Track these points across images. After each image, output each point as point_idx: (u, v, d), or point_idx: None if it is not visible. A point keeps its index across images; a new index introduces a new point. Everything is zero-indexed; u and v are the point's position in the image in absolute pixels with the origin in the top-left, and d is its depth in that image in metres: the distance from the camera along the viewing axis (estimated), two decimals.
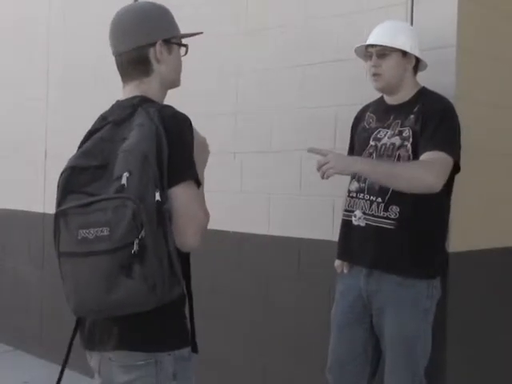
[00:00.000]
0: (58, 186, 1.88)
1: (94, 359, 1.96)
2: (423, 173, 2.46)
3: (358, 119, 2.91)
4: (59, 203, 1.87)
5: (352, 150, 2.94)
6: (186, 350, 1.93)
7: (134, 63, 1.93)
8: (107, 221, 1.71)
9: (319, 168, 2.37)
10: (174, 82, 2.01)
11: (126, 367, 1.86)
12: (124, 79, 2.00)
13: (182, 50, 1.99)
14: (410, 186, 2.48)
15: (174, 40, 1.96)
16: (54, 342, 4.89)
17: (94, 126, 1.96)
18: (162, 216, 1.74)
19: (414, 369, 2.62)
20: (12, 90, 5.53)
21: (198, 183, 1.84)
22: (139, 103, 1.89)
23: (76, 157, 1.90)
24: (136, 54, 1.92)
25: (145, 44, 1.92)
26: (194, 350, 1.98)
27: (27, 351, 5.09)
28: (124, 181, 1.72)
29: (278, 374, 3.51)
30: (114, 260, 1.70)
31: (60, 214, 1.84)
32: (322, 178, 2.39)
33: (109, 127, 1.90)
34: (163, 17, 1.97)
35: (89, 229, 1.74)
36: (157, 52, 1.92)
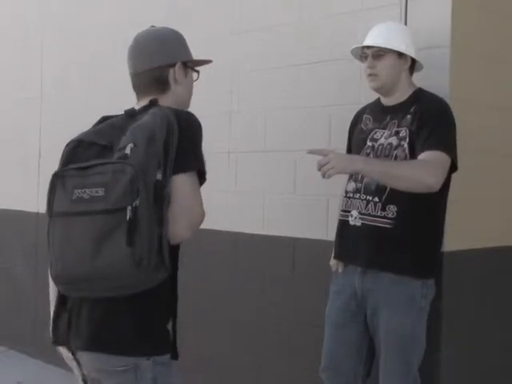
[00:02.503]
0: (62, 156, 1.91)
1: (72, 361, 1.95)
2: (423, 172, 2.46)
3: (356, 121, 2.92)
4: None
5: (349, 152, 2.94)
6: (166, 356, 1.91)
7: (153, 81, 2.00)
8: (104, 182, 1.74)
9: (320, 168, 2.37)
10: (186, 103, 2.09)
11: (103, 372, 1.85)
12: (139, 96, 2.06)
13: (195, 75, 2.10)
14: (410, 185, 2.48)
15: (189, 64, 2.07)
16: (48, 341, 4.88)
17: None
18: (161, 197, 1.77)
19: (409, 367, 2.62)
20: (6, 90, 5.51)
21: (204, 174, 1.88)
22: (154, 103, 1.95)
23: (85, 133, 1.96)
24: (156, 73, 2.00)
25: (165, 64, 2.00)
26: (174, 356, 1.94)
27: (21, 351, 5.07)
28: (128, 151, 1.76)
29: (272, 373, 3.51)
30: (105, 222, 1.72)
31: (58, 176, 1.86)
32: (323, 177, 2.39)
33: (122, 117, 1.97)
34: (181, 41, 2.08)
35: (84, 189, 1.77)
36: (176, 73, 2.01)
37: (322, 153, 2.41)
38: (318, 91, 3.35)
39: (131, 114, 1.95)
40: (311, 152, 2.45)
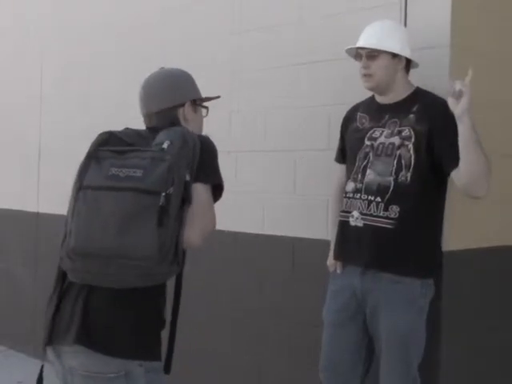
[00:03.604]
0: (93, 143, 1.95)
1: (58, 367, 1.95)
2: (488, 178, 2.48)
3: (349, 120, 2.90)
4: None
5: (342, 151, 2.94)
6: (158, 363, 1.92)
7: (164, 121, 2.06)
8: (143, 165, 1.80)
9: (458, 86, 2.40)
10: None
11: (92, 379, 1.84)
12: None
13: (204, 111, 2.20)
14: (478, 175, 2.47)
15: (198, 102, 2.16)
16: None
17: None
18: (186, 198, 1.83)
19: (409, 367, 2.62)
20: (5, 89, 5.51)
21: (221, 191, 2.00)
22: (176, 123, 2.05)
23: (113, 130, 2.02)
24: (167, 113, 2.09)
25: (175, 104, 2.09)
26: (167, 370, 1.96)
27: (21, 351, 5.07)
28: (165, 146, 1.84)
29: (272, 373, 3.51)
30: (137, 201, 1.75)
31: (92, 155, 1.88)
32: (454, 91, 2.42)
33: (145, 130, 2.07)
34: (189, 81, 2.17)
35: (121, 168, 1.81)
36: (185, 111, 2.11)
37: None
38: (318, 91, 3.35)
39: (155, 130, 2.01)
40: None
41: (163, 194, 1.75)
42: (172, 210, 1.76)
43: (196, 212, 1.86)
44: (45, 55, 5.12)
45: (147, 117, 2.12)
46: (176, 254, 1.80)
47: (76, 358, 1.85)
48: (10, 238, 5.34)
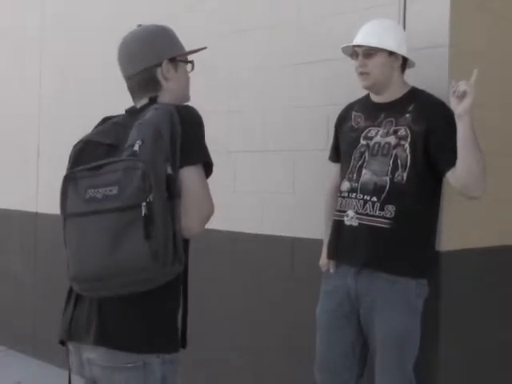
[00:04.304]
0: (70, 158, 1.92)
1: (74, 358, 1.95)
2: (484, 179, 2.49)
3: (343, 118, 2.90)
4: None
5: (336, 150, 2.94)
6: (175, 354, 1.92)
7: (143, 83, 2.00)
8: (117, 180, 1.74)
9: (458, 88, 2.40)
10: (184, 97, 2.07)
11: (110, 369, 1.85)
12: (135, 99, 2.05)
13: (189, 66, 2.08)
14: (476, 175, 2.47)
15: (179, 58, 2.04)
16: (47, 341, 4.88)
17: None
18: (174, 191, 1.78)
19: (405, 367, 2.62)
20: (5, 89, 5.51)
21: (211, 166, 1.91)
22: (154, 100, 1.96)
23: (90, 134, 1.98)
24: (145, 74, 1.99)
25: (152, 65, 1.99)
26: (183, 344, 1.97)
27: (20, 351, 5.07)
28: (136, 148, 1.77)
29: (272, 373, 3.51)
30: (120, 219, 1.72)
31: (69, 178, 1.86)
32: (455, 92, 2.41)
33: (124, 115, 2.00)
34: (167, 37, 2.05)
35: (97, 188, 1.77)
36: (163, 70, 1.99)
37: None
38: (317, 91, 3.35)
39: (133, 113, 1.96)
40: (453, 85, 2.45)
41: (143, 203, 1.71)
42: (157, 216, 1.72)
43: (190, 199, 1.83)
44: (45, 55, 5.12)
45: (127, 80, 2.03)
46: (176, 253, 1.78)
47: (95, 351, 1.87)
48: (10, 238, 5.35)
